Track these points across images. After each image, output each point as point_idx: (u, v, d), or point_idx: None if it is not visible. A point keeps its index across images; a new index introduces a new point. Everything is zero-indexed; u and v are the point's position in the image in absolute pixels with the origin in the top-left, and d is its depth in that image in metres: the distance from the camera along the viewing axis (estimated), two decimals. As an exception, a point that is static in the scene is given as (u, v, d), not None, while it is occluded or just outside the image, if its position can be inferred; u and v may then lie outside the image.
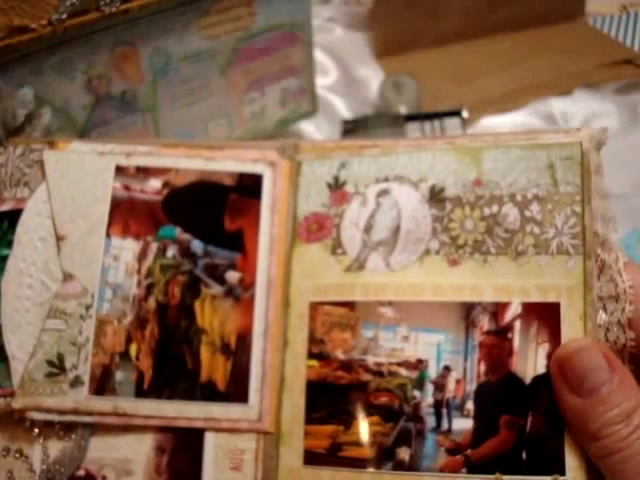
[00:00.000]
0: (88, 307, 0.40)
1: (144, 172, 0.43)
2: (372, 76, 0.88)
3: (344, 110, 0.84)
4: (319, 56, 0.84)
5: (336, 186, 0.41)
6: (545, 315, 0.36)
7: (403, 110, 0.77)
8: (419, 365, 0.37)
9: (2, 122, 0.49)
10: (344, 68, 0.89)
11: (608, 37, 0.91)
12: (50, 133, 0.51)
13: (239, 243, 0.42)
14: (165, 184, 0.43)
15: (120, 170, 0.42)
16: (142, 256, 0.41)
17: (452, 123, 0.74)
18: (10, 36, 0.46)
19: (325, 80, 0.87)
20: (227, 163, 0.43)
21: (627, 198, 0.72)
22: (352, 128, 0.74)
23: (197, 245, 0.42)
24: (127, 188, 0.42)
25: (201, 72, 0.58)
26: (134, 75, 0.55)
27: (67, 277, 0.40)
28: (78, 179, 0.42)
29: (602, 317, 0.35)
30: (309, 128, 0.80)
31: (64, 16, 0.47)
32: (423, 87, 0.81)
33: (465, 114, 0.74)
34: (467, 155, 0.39)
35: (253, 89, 0.63)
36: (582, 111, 0.81)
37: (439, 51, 0.90)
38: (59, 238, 0.41)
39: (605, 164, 0.82)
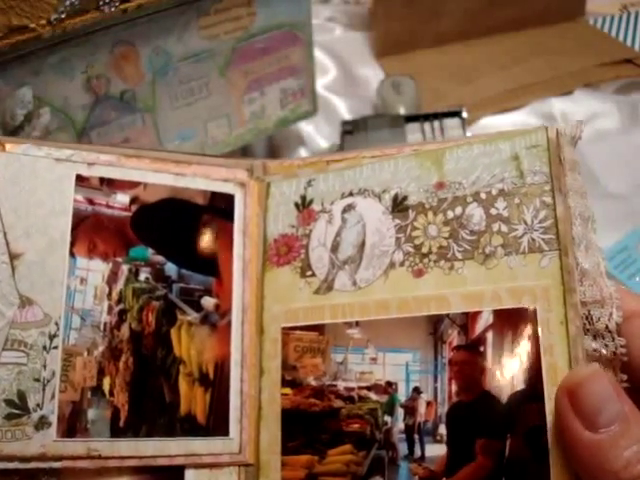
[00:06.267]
0: (52, 337, 0.36)
1: (109, 185, 0.39)
2: (372, 76, 0.88)
3: (344, 110, 0.84)
4: (319, 56, 0.84)
5: (303, 205, 0.40)
6: (520, 323, 0.33)
7: (402, 111, 0.77)
8: (388, 388, 0.36)
9: (1, 122, 0.48)
10: (344, 68, 0.89)
11: (608, 37, 0.91)
12: (49, 133, 0.51)
13: (214, 267, 0.40)
14: (133, 200, 0.39)
15: (81, 180, 0.38)
16: (112, 279, 0.38)
17: (452, 123, 0.74)
18: (9, 36, 0.46)
19: (325, 80, 0.87)
20: (197, 181, 0.41)
21: (627, 198, 0.72)
22: (351, 129, 0.74)
23: (171, 268, 0.40)
24: (91, 202, 0.39)
25: (201, 72, 0.58)
26: (133, 75, 0.55)
27: (25, 302, 0.35)
28: (32, 188, 0.37)
29: (587, 324, 0.31)
30: (308, 128, 0.79)
31: (63, 16, 0.47)
32: (423, 87, 0.81)
33: (465, 114, 0.74)
34: (428, 159, 0.37)
35: (253, 89, 0.63)
36: (582, 111, 0.80)
37: (439, 51, 0.90)
38: (13, 256, 0.36)
39: (605, 164, 0.81)
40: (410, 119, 0.74)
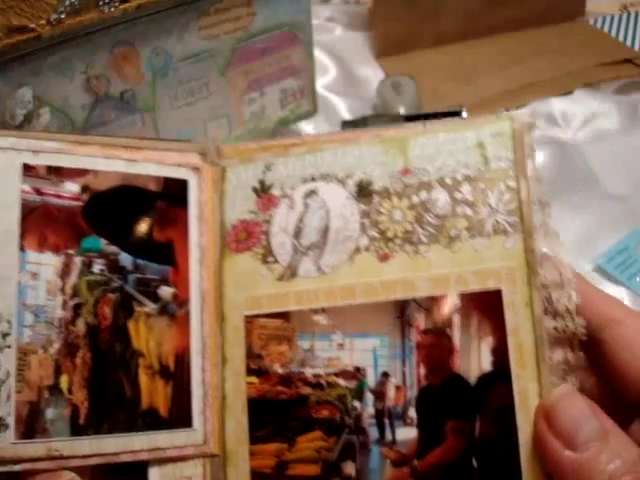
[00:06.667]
0: (5, 335, 0.34)
1: (57, 173, 0.37)
2: (372, 76, 0.88)
3: (344, 110, 0.84)
4: (319, 56, 0.84)
5: (262, 190, 0.39)
6: (486, 305, 0.33)
7: (402, 111, 0.77)
8: (357, 374, 0.36)
9: (1, 122, 0.48)
10: (344, 68, 0.89)
11: (608, 37, 0.91)
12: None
13: (170, 255, 0.39)
14: (84, 188, 0.38)
15: (28, 170, 0.36)
16: (65, 272, 0.36)
17: (452, 123, 0.74)
18: (9, 36, 0.46)
19: (325, 80, 0.87)
20: (150, 166, 0.39)
21: (627, 198, 0.72)
22: (351, 129, 0.74)
23: (126, 258, 0.38)
24: (39, 192, 0.36)
25: (200, 72, 0.58)
26: (133, 75, 0.55)
27: None
28: None
29: (548, 306, 0.32)
30: (308, 128, 0.79)
31: (63, 16, 0.47)
32: (423, 87, 0.81)
33: (465, 114, 0.74)
34: (393, 145, 0.37)
35: (253, 89, 0.63)
36: (582, 111, 0.80)
37: (439, 51, 0.90)
38: None
39: (605, 164, 0.81)
40: (410, 119, 0.74)
